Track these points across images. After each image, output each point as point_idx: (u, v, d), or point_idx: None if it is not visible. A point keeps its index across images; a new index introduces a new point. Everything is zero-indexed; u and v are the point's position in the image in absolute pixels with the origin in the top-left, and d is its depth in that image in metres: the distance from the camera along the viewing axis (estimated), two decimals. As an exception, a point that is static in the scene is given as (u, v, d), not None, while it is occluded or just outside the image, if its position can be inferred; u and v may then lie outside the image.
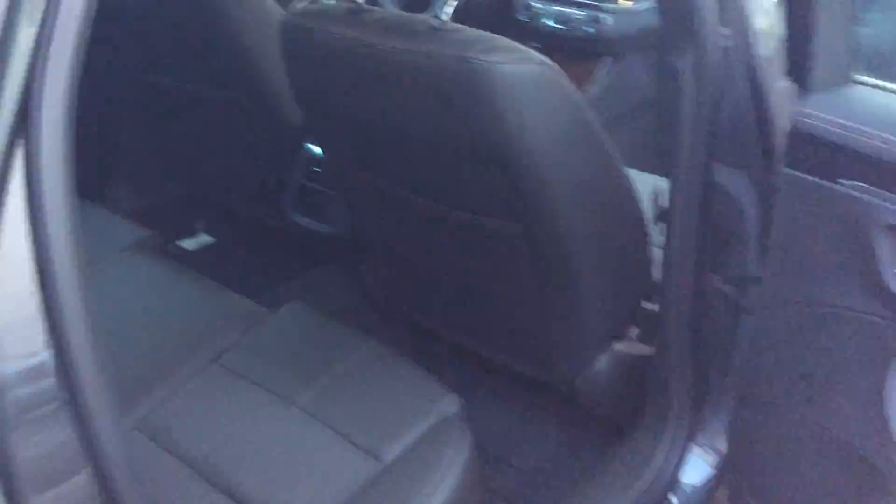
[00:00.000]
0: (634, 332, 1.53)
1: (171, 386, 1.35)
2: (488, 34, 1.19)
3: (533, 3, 2.30)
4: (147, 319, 1.51)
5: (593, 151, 1.25)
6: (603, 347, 1.48)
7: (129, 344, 1.44)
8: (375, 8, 1.34)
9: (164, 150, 2.31)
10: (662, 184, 1.40)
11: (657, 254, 1.46)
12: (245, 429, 1.27)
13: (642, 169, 1.70)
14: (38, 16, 0.73)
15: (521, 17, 2.31)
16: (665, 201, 1.36)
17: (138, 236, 1.80)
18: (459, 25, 1.21)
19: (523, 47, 1.17)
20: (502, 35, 1.18)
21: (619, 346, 1.49)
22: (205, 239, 2.53)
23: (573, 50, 2.26)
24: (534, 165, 1.21)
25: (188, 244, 2.50)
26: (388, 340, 1.45)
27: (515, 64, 1.13)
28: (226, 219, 2.44)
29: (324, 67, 1.35)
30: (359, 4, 1.31)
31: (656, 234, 1.45)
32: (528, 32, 2.26)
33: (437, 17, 1.19)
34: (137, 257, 1.69)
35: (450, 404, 1.28)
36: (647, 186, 1.49)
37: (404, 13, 1.29)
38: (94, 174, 2.32)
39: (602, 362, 1.47)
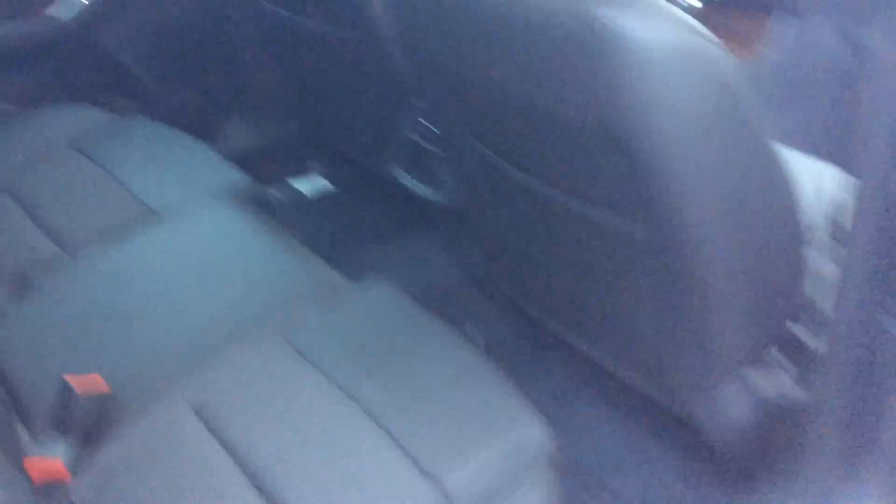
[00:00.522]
0: (776, 358, 1.27)
1: (232, 362, 1.22)
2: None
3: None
4: (220, 279, 1.38)
5: (744, 143, 0.99)
6: (732, 373, 1.23)
7: (195, 305, 1.33)
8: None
9: (282, 86, 2.18)
10: (833, 177, 1.12)
11: (815, 264, 1.19)
12: (299, 424, 1.12)
13: (812, 153, 1.40)
14: None
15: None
16: (836, 197, 1.07)
17: (236, 181, 1.67)
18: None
19: (667, 4, 0.92)
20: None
21: (753, 375, 1.24)
22: (317, 181, 2.43)
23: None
24: (666, 156, 0.96)
25: (300, 185, 2.41)
26: (485, 321, 1.25)
27: (654, 28, 0.88)
28: (339, 163, 2.32)
29: (429, 15, 1.14)
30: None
31: (819, 239, 1.18)
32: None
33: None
34: (227, 206, 1.57)
35: (533, 430, 1.08)
36: (813, 175, 1.21)
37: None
38: (209, 110, 2.23)
39: (730, 390, 1.23)
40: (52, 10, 1.97)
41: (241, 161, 2.18)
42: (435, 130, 1.63)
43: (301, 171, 2.39)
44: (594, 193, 1.10)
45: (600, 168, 1.04)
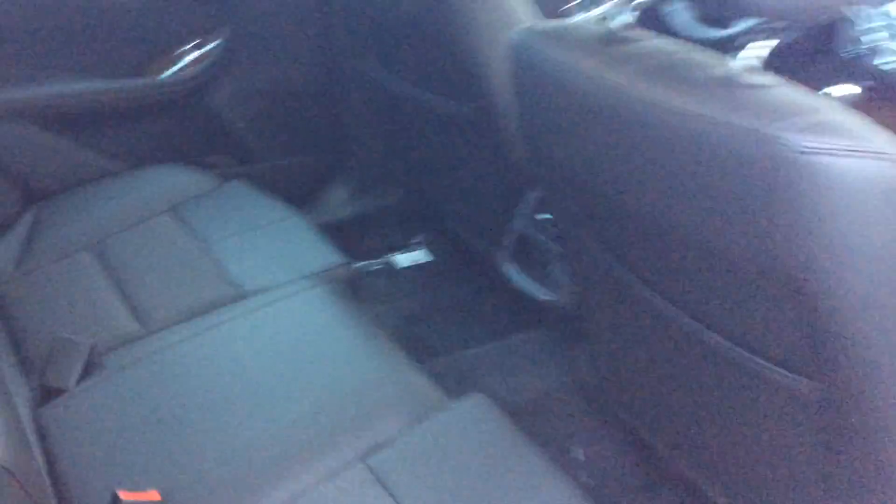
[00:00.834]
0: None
1: (305, 481, 1.07)
2: (811, 98, 0.77)
3: (865, 36, 1.76)
4: (300, 378, 1.24)
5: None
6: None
7: (269, 408, 1.19)
8: (642, 34, 0.95)
9: (390, 156, 2.07)
10: None
11: None
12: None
13: None
14: None
15: (846, 54, 1.78)
16: None
17: (330, 260, 1.55)
18: (769, 77, 0.80)
19: (861, 124, 0.73)
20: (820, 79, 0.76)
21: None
22: (419, 255, 2.30)
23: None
24: (855, 309, 0.77)
25: (402, 259, 2.29)
26: (589, 435, 1.07)
27: (852, 156, 0.70)
28: (445, 239, 2.18)
29: (553, 106, 0.99)
30: (617, 28, 0.94)
31: None
32: (854, 73, 1.73)
33: (738, 59, 0.80)
34: (318, 292, 1.44)
35: None
36: None
37: (680, 49, 0.90)
38: (312, 177, 2.15)
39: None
40: (165, 74, 1.93)
41: (342, 230, 2.09)
42: (551, 223, 1.46)
43: (404, 244, 2.28)
44: (749, 339, 0.91)
45: (761, 311, 0.85)
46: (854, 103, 1.38)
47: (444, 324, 1.92)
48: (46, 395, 1.27)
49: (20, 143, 1.80)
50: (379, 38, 1.73)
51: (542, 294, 1.47)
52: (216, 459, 1.11)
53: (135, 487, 1.01)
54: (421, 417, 1.17)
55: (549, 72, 0.96)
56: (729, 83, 0.80)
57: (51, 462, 1.15)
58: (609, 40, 0.93)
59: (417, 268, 2.25)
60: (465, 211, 1.85)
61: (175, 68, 1.95)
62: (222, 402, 1.21)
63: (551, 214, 1.38)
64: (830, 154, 0.70)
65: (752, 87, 0.78)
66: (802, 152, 0.70)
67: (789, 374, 0.88)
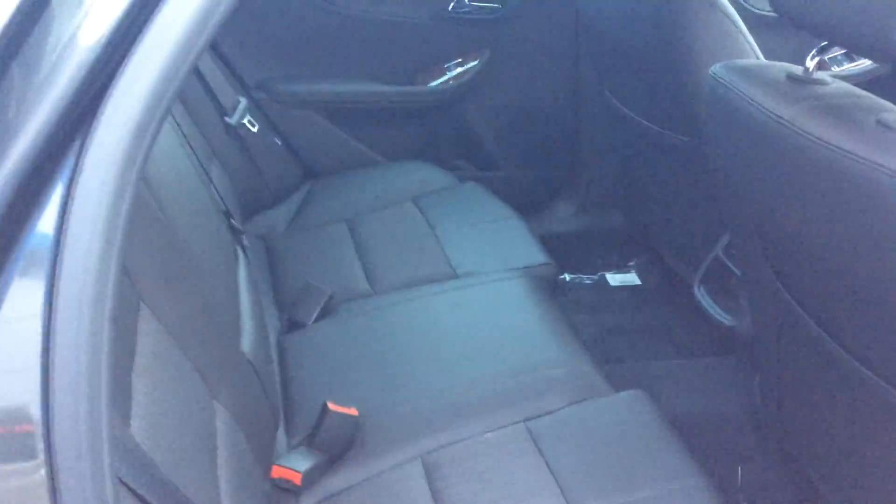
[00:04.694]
0: None
1: (472, 430, 1.28)
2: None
3: None
4: (490, 348, 1.45)
5: None
6: None
7: (460, 367, 1.42)
8: (831, 79, 1.04)
9: (614, 179, 2.23)
10: None
11: None
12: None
13: None
14: None
15: None
16: None
17: (537, 261, 1.75)
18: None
19: None
20: None
21: None
22: (631, 277, 2.42)
23: None
24: None
25: (612, 278, 2.42)
26: (758, 465, 1.16)
27: None
28: (654, 264, 2.30)
29: (736, 139, 1.11)
30: (805, 71, 1.03)
31: None
32: None
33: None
34: (519, 282, 1.64)
35: None
36: None
37: (854, 91, 0.99)
38: (539, 188, 2.36)
39: None
40: (432, 84, 2.24)
41: (563, 243, 2.27)
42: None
43: (619, 265, 2.41)
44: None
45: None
46: None
47: (638, 339, 2.04)
48: (291, 326, 1.59)
49: (307, 128, 2.20)
50: (614, 68, 1.89)
51: (722, 318, 1.56)
52: (408, 397, 1.35)
53: (343, 404, 1.27)
54: (582, 399, 1.32)
55: (736, 105, 1.08)
56: (886, 129, 0.88)
57: (284, 375, 1.46)
58: (797, 80, 1.02)
59: (625, 289, 2.37)
60: (675, 237, 1.96)
61: (441, 80, 2.25)
62: (424, 355, 1.45)
63: (735, 250, 1.47)
64: None
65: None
66: None
67: None
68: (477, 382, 1.37)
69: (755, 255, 1.24)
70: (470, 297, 1.60)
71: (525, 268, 1.71)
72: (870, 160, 0.85)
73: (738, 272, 1.56)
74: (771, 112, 1.00)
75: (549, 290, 1.69)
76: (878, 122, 0.90)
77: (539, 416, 1.29)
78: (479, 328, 1.51)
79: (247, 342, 1.29)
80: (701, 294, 1.64)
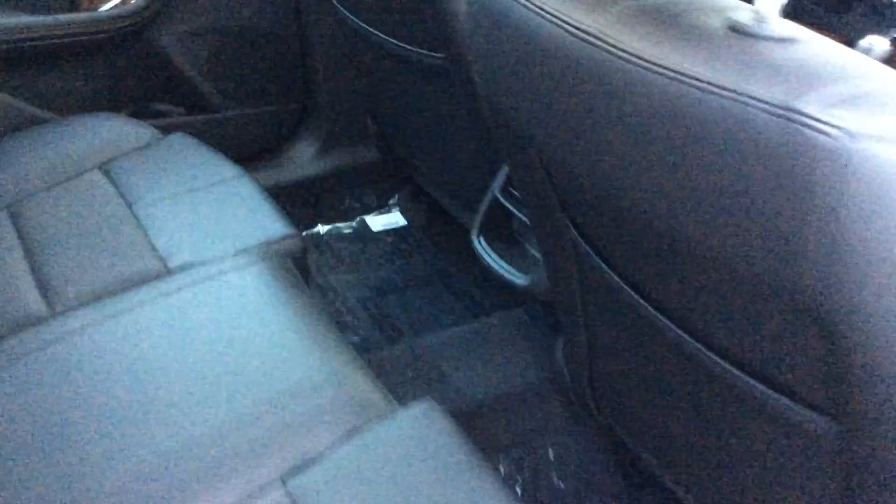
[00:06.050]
0: None
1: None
2: (851, 58, 0.56)
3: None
4: (220, 382, 1.04)
5: None
6: None
7: (181, 418, 1.00)
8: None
9: (361, 106, 1.86)
10: None
11: None
12: None
13: None
14: None
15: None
16: None
17: (275, 231, 1.35)
18: (793, 28, 0.58)
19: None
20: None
21: None
22: (394, 218, 2.10)
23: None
24: (889, 335, 0.57)
25: (374, 222, 2.09)
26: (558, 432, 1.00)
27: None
28: (419, 201, 1.98)
29: (510, 57, 0.78)
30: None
31: None
32: (887, 22, 1.50)
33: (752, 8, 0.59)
34: (257, 272, 1.23)
35: None
36: None
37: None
38: (276, 130, 1.93)
39: None
40: (103, 8, 1.70)
41: (309, 191, 1.89)
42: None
43: (379, 206, 2.08)
44: (759, 366, 0.71)
45: (775, 334, 0.65)
46: (882, 61, 1.16)
47: (416, 298, 1.72)
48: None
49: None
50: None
51: (513, 277, 1.26)
52: (114, 479, 0.92)
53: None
54: (357, 428, 0.98)
55: (509, 13, 0.74)
56: (740, 35, 0.58)
57: None
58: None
59: (390, 234, 2.05)
60: (441, 172, 1.64)
61: (114, 1, 1.72)
62: (129, 406, 1.02)
63: (517, 191, 1.17)
64: (880, 140, 0.49)
65: (772, 41, 0.57)
66: (855, 141, 0.49)
67: (804, 409, 0.68)
68: (214, 434, 0.97)
69: (544, 199, 0.93)
70: (189, 301, 1.17)
71: (261, 245, 1.30)
72: (703, 82, 0.55)
73: (519, 215, 1.27)
74: (563, 21, 0.68)
75: (298, 270, 1.30)
76: (730, 27, 0.60)
77: (302, 466, 0.93)
78: (206, 348, 1.09)
79: None
80: (482, 247, 1.32)
